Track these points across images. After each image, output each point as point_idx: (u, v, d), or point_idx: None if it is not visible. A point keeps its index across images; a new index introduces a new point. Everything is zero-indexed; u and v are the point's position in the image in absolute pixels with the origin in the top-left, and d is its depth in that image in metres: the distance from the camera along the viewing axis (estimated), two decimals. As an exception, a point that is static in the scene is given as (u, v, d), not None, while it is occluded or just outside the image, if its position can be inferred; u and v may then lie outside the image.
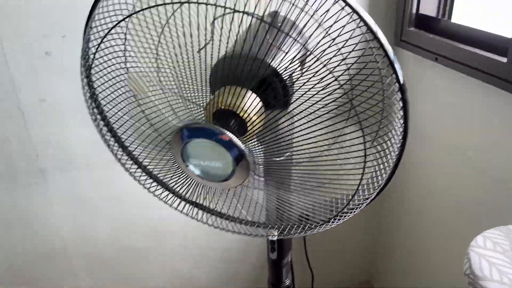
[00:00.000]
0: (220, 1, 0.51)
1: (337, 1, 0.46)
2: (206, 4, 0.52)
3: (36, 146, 1.01)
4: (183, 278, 1.33)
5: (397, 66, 0.48)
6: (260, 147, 0.59)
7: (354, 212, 0.59)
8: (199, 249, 1.30)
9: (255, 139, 0.58)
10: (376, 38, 0.47)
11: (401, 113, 0.50)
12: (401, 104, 0.49)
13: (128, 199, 1.14)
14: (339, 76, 0.47)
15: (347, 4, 0.46)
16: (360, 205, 0.57)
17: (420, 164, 1.16)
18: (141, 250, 1.24)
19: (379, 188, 0.56)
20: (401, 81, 0.48)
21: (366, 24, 0.47)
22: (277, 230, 0.69)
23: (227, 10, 0.50)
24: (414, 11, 1.05)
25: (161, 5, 0.53)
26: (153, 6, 0.53)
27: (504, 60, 0.80)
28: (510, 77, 0.79)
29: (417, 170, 1.18)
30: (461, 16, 1.09)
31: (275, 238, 0.71)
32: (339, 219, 0.60)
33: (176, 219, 1.22)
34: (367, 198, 0.58)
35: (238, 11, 0.49)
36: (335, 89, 0.47)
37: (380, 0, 1.09)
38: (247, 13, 0.49)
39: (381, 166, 0.53)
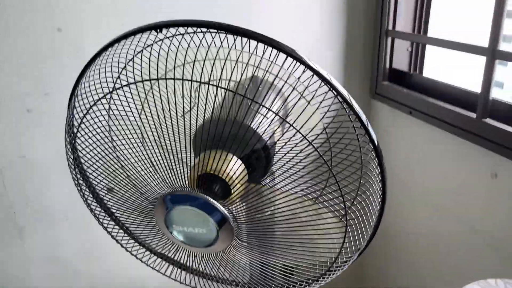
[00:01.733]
0: (196, 75, 0.53)
1: (312, 76, 0.49)
2: (182, 80, 0.54)
3: (14, 203, 0.99)
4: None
5: (373, 135, 0.50)
6: (242, 205, 0.60)
7: (335, 273, 0.59)
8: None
9: (238, 200, 0.59)
10: (352, 109, 0.49)
11: (379, 177, 0.52)
12: (378, 170, 0.51)
13: (108, 257, 1.12)
14: (318, 147, 0.49)
15: (323, 79, 0.49)
16: (342, 266, 0.58)
17: (399, 208, 1.18)
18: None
19: (361, 249, 0.57)
20: (378, 149, 0.50)
21: (341, 95, 0.49)
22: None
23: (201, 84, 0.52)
24: (387, 65, 1.10)
25: (139, 81, 0.55)
26: (132, 83, 0.55)
27: (474, 115, 0.84)
28: (480, 132, 0.83)
29: (397, 214, 1.19)
30: (433, 69, 1.15)
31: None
32: (323, 279, 0.60)
33: (158, 278, 1.19)
34: (349, 259, 0.58)
35: (211, 84, 0.51)
36: (315, 159, 0.49)
37: (357, 55, 1.15)
38: (219, 86, 0.50)
39: (362, 229, 0.54)
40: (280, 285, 0.62)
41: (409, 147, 1.09)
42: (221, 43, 0.51)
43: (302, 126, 0.56)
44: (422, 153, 1.05)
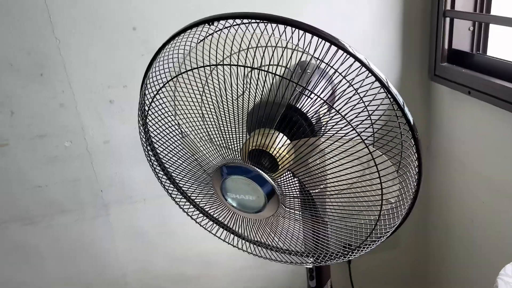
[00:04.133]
0: (248, 62, 0.60)
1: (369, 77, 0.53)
2: (237, 65, 0.61)
3: (101, 183, 1.14)
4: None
5: (408, 115, 0.54)
6: (295, 181, 0.66)
7: (377, 242, 0.64)
8: (245, 279, 1.36)
9: (290, 175, 0.66)
10: (401, 109, 0.53)
11: (415, 156, 0.56)
12: (414, 150, 0.54)
13: (180, 232, 1.24)
14: (365, 136, 0.53)
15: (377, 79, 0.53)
16: (382, 236, 0.62)
17: (459, 191, 1.16)
18: (193, 280, 1.32)
19: (398, 222, 0.61)
20: (414, 130, 0.54)
21: (377, 78, 0.53)
22: (312, 258, 0.74)
23: (252, 69, 0.58)
24: (446, 46, 1.09)
25: (200, 67, 0.63)
26: (194, 68, 0.63)
27: (532, 92, 0.82)
28: (540, 109, 0.81)
29: (456, 197, 1.18)
30: (498, 49, 1.11)
31: (310, 266, 0.77)
32: (365, 248, 0.65)
33: (225, 252, 1.30)
34: (390, 228, 0.62)
35: (260, 69, 0.58)
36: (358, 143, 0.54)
37: (415, 37, 1.15)
38: (267, 71, 0.57)
39: (400, 202, 0.58)
40: (331, 251, 0.68)
41: (469, 128, 1.07)
42: (273, 32, 0.57)
43: (340, 109, 0.62)
44: (482, 134, 1.03)
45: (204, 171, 0.64)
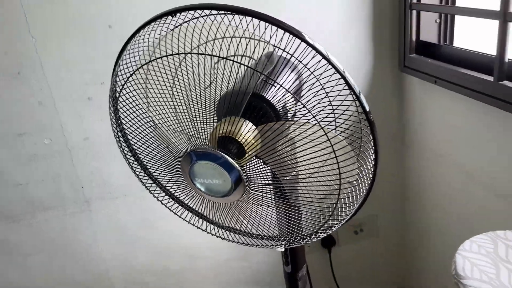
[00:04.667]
0: (216, 51, 0.63)
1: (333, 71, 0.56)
2: (204, 54, 0.64)
3: (82, 179, 1.16)
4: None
5: (364, 103, 0.57)
6: (262, 165, 0.69)
7: (338, 225, 0.67)
8: (230, 272, 1.38)
9: (258, 161, 0.68)
10: (357, 97, 0.57)
11: (373, 163, 0.60)
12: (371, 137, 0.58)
13: (162, 226, 1.26)
14: (325, 122, 0.57)
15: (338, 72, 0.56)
16: (341, 221, 0.66)
17: (432, 180, 1.20)
18: (176, 273, 1.34)
19: (360, 202, 0.64)
20: (370, 119, 0.58)
21: (334, 67, 0.56)
22: (283, 242, 0.77)
23: (222, 59, 0.61)
24: (414, 38, 1.13)
25: (169, 55, 0.66)
26: (163, 56, 0.66)
27: (491, 78, 0.86)
28: (498, 95, 0.85)
29: (431, 186, 1.22)
30: (465, 39, 1.16)
31: (282, 249, 0.80)
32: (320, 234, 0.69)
33: (209, 246, 1.32)
34: (353, 207, 0.66)
35: (229, 59, 0.60)
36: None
37: (385, 30, 1.19)
38: (235, 61, 0.60)
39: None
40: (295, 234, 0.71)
41: (438, 117, 1.11)
42: (240, 23, 0.60)
43: (302, 97, 0.65)
44: (450, 122, 1.07)
45: (174, 157, 0.67)
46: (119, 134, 0.69)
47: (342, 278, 1.45)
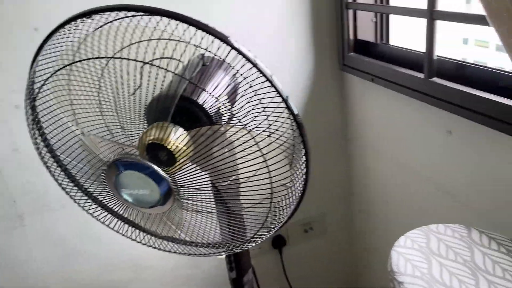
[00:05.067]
0: (141, 54, 0.60)
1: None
2: (127, 59, 0.61)
3: (13, 193, 1.09)
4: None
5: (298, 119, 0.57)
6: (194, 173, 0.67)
7: (268, 234, 0.66)
8: (178, 280, 1.35)
9: (193, 168, 0.66)
10: (285, 101, 0.56)
11: (304, 164, 0.59)
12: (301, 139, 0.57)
13: (104, 237, 1.21)
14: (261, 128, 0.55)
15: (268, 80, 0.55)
16: (271, 230, 0.65)
17: (375, 175, 1.23)
18: (123, 285, 1.29)
19: (294, 205, 0.64)
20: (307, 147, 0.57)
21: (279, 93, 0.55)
22: (223, 248, 0.75)
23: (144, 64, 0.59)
24: (352, 37, 1.15)
25: (94, 58, 0.63)
26: (89, 59, 0.62)
27: (422, 76, 0.88)
28: (429, 91, 0.87)
29: (373, 181, 1.25)
30: (402, 38, 1.19)
31: (222, 256, 0.78)
32: (258, 239, 0.68)
33: (153, 252, 1.28)
34: (288, 211, 0.65)
35: (151, 64, 0.58)
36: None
37: (324, 29, 1.19)
38: (158, 66, 0.57)
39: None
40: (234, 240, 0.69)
41: (377, 114, 1.13)
42: (169, 26, 0.57)
43: (234, 103, 0.64)
44: (385, 117, 1.10)
45: (100, 164, 0.63)
46: (36, 136, 0.65)
47: (294, 278, 1.45)
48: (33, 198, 1.11)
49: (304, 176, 0.63)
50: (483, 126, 0.77)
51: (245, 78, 0.65)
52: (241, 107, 0.62)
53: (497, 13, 0.39)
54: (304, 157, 0.60)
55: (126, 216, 0.70)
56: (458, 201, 0.92)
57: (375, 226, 1.32)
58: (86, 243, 1.20)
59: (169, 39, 0.62)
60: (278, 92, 0.56)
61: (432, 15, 0.81)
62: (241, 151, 0.58)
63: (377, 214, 1.28)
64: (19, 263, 1.15)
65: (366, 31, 1.16)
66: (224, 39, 0.56)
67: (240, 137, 0.58)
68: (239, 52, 0.56)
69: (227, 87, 0.71)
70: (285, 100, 0.57)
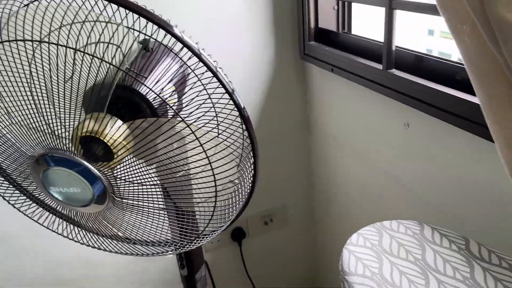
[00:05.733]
0: (73, 39, 0.54)
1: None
2: (57, 45, 0.55)
3: None
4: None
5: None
6: (146, 169, 0.62)
7: (215, 233, 0.63)
8: (133, 274, 1.30)
9: (134, 163, 0.61)
10: (229, 95, 0.51)
11: (252, 160, 0.55)
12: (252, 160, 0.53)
13: (52, 233, 1.14)
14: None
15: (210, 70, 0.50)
16: (218, 229, 0.61)
17: (335, 166, 1.21)
18: (75, 282, 1.23)
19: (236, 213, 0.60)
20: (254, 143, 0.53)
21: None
22: (171, 247, 0.71)
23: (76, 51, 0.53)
24: (313, 26, 1.11)
25: (19, 40, 0.56)
26: (13, 40, 0.56)
27: (380, 67, 0.86)
28: (388, 83, 0.85)
29: (334, 172, 1.23)
30: (363, 27, 1.16)
31: (170, 254, 0.74)
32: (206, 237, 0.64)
33: (110, 264, 1.22)
34: (236, 209, 0.61)
35: (85, 52, 0.52)
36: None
37: (285, 18, 1.15)
38: (91, 55, 0.52)
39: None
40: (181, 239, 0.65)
41: (336, 105, 1.11)
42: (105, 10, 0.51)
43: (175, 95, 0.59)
44: (345, 108, 1.08)
45: (28, 156, 0.57)
46: None
47: (254, 270, 1.43)
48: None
49: (252, 173, 0.59)
50: (440, 120, 0.76)
51: (193, 70, 0.61)
52: (189, 101, 0.57)
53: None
54: (251, 152, 0.56)
55: (65, 212, 0.65)
56: (414, 195, 0.92)
57: (336, 218, 1.30)
58: (32, 239, 1.13)
59: (108, 22, 0.56)
60: (223, 85, 0.52)
61: (391, 4, 0.79)
62: (183, 145, 0.54)
63: (338, 206, 1.27)
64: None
65: (327, 20, 1.12)
66: (167, 28, 0.51)
67: (182, 132, 0.54)
68: (182, 42, 0.51)
69: (173, 77, 0.66)
70: (230, 94, 0.53)
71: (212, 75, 0.51)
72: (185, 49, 0.51)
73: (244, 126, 0.54)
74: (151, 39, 0.65)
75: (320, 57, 1.07)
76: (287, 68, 1.21)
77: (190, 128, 0.51)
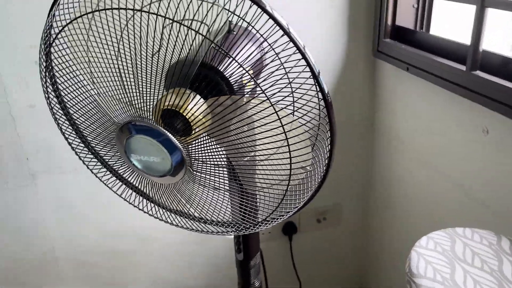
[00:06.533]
0: (170, 12, 0.56)
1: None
2: (157, 15, 0.56)
3: (27, 150, 1.07)
4: (167, 283, 1.36)
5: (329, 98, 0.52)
6: (208, 145, 0.63)
7: (281, 218, 0.62)
8: (185, 255, 1.33)
9: (210, 140, 0.62)
10: (315, 77, 0.51)
11: (329, 148, 0.54)
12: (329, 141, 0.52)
13: (113, 205, 1.19)
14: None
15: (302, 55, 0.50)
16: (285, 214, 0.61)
17: (397, 168, 1.17)
18: (127, 255, 1.27)
19: (313, 190, 0.59)
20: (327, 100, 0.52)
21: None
22: (232, 228, 0.72)
23: (173, 22, 0.54)
24: (389, 23, 1.08)
25: (116, 8, 0.58)
26: (113, 8, 0.58)
27: (463, 68, 0.82)
28: (469, 85, 0.80)
29: (395, 174, 1.19)
30: (443, 26, 1.11)
31: (231, 236, 0.74)
32: (270, 223, 0.63)
33: (161, 225, 1.25)
34: (306, 196, 0.60)
35: (182, 24, 0.53)
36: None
37: (361, 13, 1.13)
38: (189, 27, 0.52)
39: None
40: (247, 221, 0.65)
41: (408, 105, 1.07)
42: None
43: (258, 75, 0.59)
44: (417, 109, 1.03)
45: (113, 127, 0.60)
46: (48, 85, 0.61)
47: (302, 266, 1.41)
48: (46, 158, 1.09)
49: (326, 161, 0.58)
50: (526, 128, 0.71)
51: (273, 48, 0.60)
52: (265, 79, 0.57)
53: None
54: (329, 140, 0.55)
55: (136, 184, 0.67)
56: (488, 208, 0.86)
57: (393, 223, 1.26)
58: (94, 209, 1.18)
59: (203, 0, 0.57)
60: (310, 66, 0.51)
61: (483, 2, 0.74)
62: (262, 125, 0.54)
63: (397, 211, 1.23)
64: (27, 222, 1.14)
65: (405, 17, 1.09)
66: (259, 3, 0.51)
67: (262, 111, 0.54)
68: (272, 17, 0.51)
69: (252, 57, 0.66)
70: (316, 76, 0.52)
71: (301, 57, 0.51)
72: (269, 27, 0.51)
73: (326, 111, 0.53)
74: (232, 22, 0.66)
75: (395, 55, 1.04)
76: (357, 64, 1.19)
77: (274, 108, 0.51)
